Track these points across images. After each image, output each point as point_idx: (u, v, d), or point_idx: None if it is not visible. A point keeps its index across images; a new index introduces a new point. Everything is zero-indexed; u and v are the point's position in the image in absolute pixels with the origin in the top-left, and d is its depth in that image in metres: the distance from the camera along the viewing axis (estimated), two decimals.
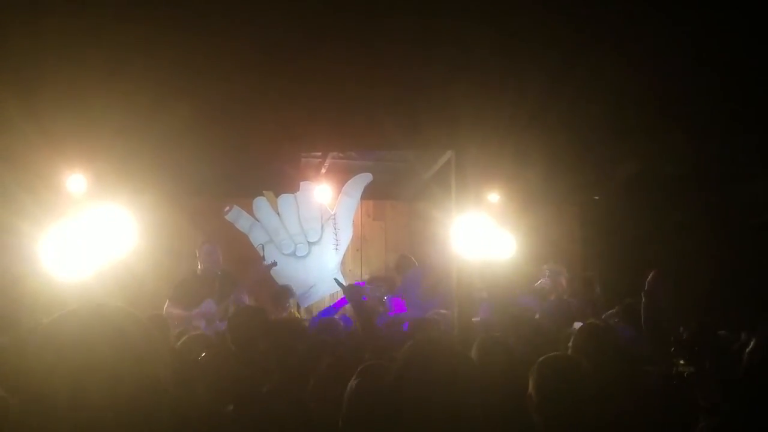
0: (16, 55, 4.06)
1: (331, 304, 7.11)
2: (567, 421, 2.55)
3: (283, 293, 6.82)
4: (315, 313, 7.70)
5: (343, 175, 8.00)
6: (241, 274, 7.02)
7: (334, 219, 8.06)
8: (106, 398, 1.24)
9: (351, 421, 2.57)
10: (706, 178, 6.23)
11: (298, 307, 7.75)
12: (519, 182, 6.52)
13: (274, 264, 7.23)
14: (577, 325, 4.89)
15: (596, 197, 7.65)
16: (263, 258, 7.66)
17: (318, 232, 8.02)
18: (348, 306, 6.20)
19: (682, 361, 3.86)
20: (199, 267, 6.74)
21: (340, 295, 8.06)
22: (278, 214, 7.96)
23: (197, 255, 6.79)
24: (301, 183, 7.90)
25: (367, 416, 2.49)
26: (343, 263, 8.19)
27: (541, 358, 2.79)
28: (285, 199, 7.95)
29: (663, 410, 3.10)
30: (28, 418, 1.25)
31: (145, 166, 5.62)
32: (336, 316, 6.10)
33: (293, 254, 7.94)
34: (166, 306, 6.41)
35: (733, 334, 4.38)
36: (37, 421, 1.23)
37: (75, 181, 5.50)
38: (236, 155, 6.63)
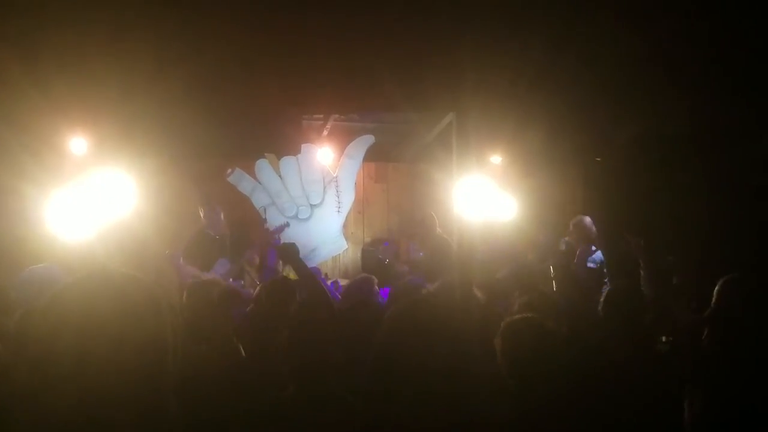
0: (18, 15, 4.03)
1: None
2: (537, 385, 2.52)
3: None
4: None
5: (345, 138, 7.98)
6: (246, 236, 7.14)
7: (336, 181, 8.06)
8: (110, 362, 1.26)
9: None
10: (708, 137, 6.20)
11: None
12: (521, 144, 6.50)
13: (287, 225, 7.25)
14: None
15: (598, 159, 7.62)
16: (265, 221, 7.71)
17: (320, 194, 8.03)
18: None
19: (663, 338, 3.79)
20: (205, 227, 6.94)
21: (343, 258, 8.16)
22: (280, 176, 7.96)
23: (201, 216, 6.91)
24: (303, 145, 7.88)
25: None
26: (345, 225, 8.22)
27: (505, 321, 2.78)
28: (287, 162, 7.94)
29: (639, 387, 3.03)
30: (34, 380, 1.26)
31: (147, 129, 5.60)
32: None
33: (295, 217, 7.96)
34: (179, 261, 6.51)
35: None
36: (42, 383, 1.25)
37: (77, 143, 5.51)
38: (238, 118, 6.60)
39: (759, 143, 6.01)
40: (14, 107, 4.47)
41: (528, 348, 2.57)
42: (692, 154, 6.29)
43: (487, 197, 5.80)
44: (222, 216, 6.98)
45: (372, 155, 8.11)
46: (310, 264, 7.96)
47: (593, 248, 6.52)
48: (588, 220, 6.73)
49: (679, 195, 6.27)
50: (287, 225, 7.30)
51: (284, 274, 7.17)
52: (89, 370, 1.24)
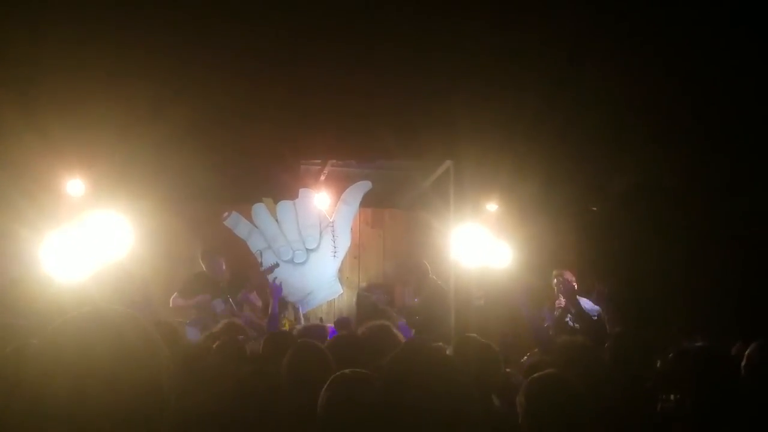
0: (16, 60, 4.09)
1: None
2: None
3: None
4: (311, 319, 7.74)
5: (342, 183, 8.02)
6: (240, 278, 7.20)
7: (333, 226, 8.07)
8: (105, 404, 1.24)
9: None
10: (703, 188, 6.24)
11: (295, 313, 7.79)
12: (516, 192, 6.54)
13: (276, 266, 7.37)
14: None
15: (594, 208, 7.65)
16: (261, 264, 7.70)
17: (316, 239, 8.03)
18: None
19: (672, 396, 3.63)
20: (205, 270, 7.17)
21: (338, 302, 8.14)
22: (277, 220, 7.97)
23: (201, 262, 7.19)
24: (300, 190, 7.92)
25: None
26: (341, 270, 8.21)
27: (532, 376, 2.73)
28: (284, 206, 7.96)
29: None
30: (27, 423, 1.25)
31: (143, 172, 5.63)
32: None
33: (291, 261, 7.95)
34: (173, 297, 6.97)
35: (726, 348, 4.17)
36: (36, 425, 1.24)
37: (74, 186, 5.52)
38: (235, 162, 6.65)
39: (752, 194, 6.05)
40: (10, 150, 4.51)
41: (557, 409, 2.49)
42: (686, 205, 6.32)
43: (482, 244, 5.83)
44: (224, 266, 7.19)
45: (368, 201, 8.14)
46: (306, 308, 7.95)
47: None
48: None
49: (673, 245, 6.28)
50: (277, 265, 7.45)
51: (283, 318, 7.20)
52: (84, 411, 1.22)
